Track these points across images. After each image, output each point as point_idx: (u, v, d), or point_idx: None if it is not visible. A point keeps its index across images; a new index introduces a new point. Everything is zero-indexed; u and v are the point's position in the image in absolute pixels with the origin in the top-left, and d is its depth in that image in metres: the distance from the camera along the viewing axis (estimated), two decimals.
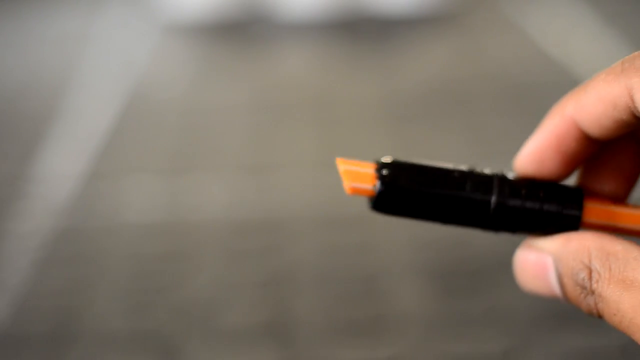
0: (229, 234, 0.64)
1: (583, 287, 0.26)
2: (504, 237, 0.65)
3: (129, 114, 0.86)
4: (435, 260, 0.59)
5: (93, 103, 0.88)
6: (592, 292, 0.26)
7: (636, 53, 0.26)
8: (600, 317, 0.26)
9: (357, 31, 1.07)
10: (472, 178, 0.29)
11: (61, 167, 0.75)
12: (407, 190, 0.28)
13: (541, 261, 0.28)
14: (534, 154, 0.29)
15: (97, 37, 1.08)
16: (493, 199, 0.28)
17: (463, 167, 0.29)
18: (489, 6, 1.12)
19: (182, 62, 1.03)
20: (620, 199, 0.30)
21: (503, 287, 0.56)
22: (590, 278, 0.26)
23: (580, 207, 0.29)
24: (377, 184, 0.28)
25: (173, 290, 0.58)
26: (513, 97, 0.86)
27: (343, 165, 0.29)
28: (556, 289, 0.28)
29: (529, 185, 0.29)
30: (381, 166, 0.28)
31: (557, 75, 0.90)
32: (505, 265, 0.58)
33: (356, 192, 0.28)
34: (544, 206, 0.28)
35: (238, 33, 1.07)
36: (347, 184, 0.28)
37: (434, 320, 0.53)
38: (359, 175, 0.28)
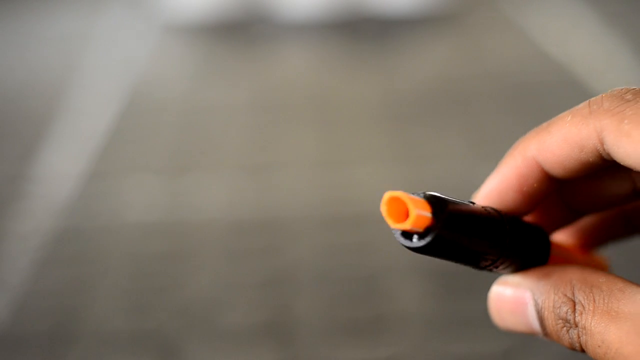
0: (229, 233, 0.64)
1: (566, 321, 0.25)
2: None
3: (129, 114, 0.86)
4: (435, 260, 0.59)
5: (93, 103, 0.88)
6: (576, 325, 0.25)
7: (603, 95, 0.26)
8: (582, 351, 0.25)
9: (357, 31, 1.07)
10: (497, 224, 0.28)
11: (61, 167, 0.75)
12: (459, 238, 0.26)
13: (519, 297, 0.27)
14: (494, 192, 0.29)
15: (97, 37, 1.08)
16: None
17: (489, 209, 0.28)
18: (489, 6, 1.12)
19: (182, 62, 1.03)
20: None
21: None
22: (574, 311, 0.25)
23: (548, 244, 0.28)
24: (432, 228, 0.26)
25: (173, 290, 0.58)
26: (513, 97, 0.86)
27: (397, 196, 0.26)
28: (535, 325, 0.27)
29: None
30: (437, 208, 0.26)
31: (557, 75, 0.90)
32: None
33: (405, 228, 0.26)
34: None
35: (238, 33, 1.07)
36: (401, 225, 0.26)
37: (434, 320, 0.53)
38: (416, 218, 0.25)
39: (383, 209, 0.26)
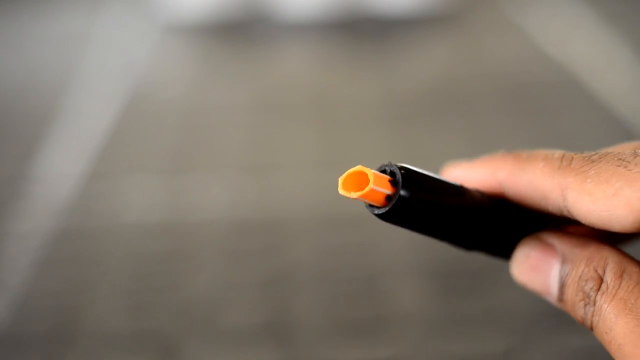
0: (229, 233, 0.64)
1: (586, 295, 0.26)
2: None
3: (129, 114, 0.86)
4: (435, 260, 0.59)
5: (93, 103, 0.88)
6: (594, 303, 0.25)
7: (575, 155, 0.26)
8: (591, 329, 0.26)
9: (357, 31, 1.07)
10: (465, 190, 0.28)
11: (61, 167, 0.75)
12: (424, 201, 0.27)
13: (547, 256, 0.27)
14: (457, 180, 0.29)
15: (97, 37, 1.08)
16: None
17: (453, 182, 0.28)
18: (489, 6, 1.12)
19: (182, 62, 1.03)
20: None
21: (503, 287, 0.56)
22: (598, 289, 0.25)
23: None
24: (398, 190, 0.27)
25: (173, 290, 0.58)
26: (513, 96, 0.86)
27: (357, 169, 0.27)
28: (553, 288, 0.27)
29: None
30: (399, 172, 0.27)
31: (557, 75, 0.90)
32: (506, 264, 0.58)
33: (367, 196, 0.26)
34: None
35: (238, 33, 1.07)
36: (360, 188, 0.27)
37: (434, 320, 0.53)
38: (376, 178, 0.27)
39: (341, 179, 0.27)
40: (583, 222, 0.26)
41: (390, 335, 0.52)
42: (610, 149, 0.27)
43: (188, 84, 0.96)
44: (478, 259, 0.59)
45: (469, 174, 0.29)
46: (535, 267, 0.27)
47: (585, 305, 0.26)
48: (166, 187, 0.71)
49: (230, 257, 0.61)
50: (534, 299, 0.54)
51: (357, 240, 0.62)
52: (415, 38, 1.04)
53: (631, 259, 0.26)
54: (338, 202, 0.68)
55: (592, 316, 0.26)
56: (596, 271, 0.26)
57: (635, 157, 0.24)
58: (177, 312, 0.55)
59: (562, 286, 0.27)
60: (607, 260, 0.26)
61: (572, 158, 0.26)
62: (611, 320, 0.25)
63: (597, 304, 0.25)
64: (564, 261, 0.27)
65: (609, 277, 0.25)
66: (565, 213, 0.26)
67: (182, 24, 1.10)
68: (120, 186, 0.71)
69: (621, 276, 0.25)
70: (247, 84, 0.94)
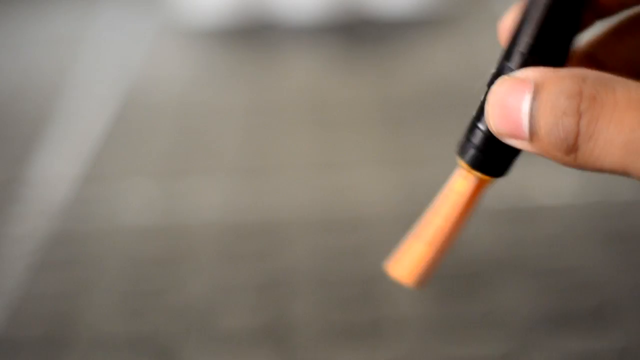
0: (226, 237, 0.64)
1: (566, 110, 0.23)
2: (502, 240, 0.65)
3: (124, 117, 0.86)
4: None
5: (88, 105, 0.88)
6: (577, 113, 0.23)
7: None
8: (574, 150, 0.23)
9: (354, 34, 1.07)
10: None
11: (56, 170, 0.74)
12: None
13: (517, 87, 0.24)
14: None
15: (92, 40, 1.07)
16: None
17: None
18: (485, 9, 1.12)
19: (178, 65, 1.03)
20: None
21: (501, 290, 0.56)
22: (579, 98, 0.23)
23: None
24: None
25: (169, 294, 0.57)
26: None
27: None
28: (523, 122, 0.24)
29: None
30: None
31: None
32: (504, 268, 0.58)
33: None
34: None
35: (234, 36, 1.07)
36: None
37: (432, 324, 0.53)
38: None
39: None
40: None
41: (387, 338, 0.52)
42: None
43: (184, 86, 0.96)
44: (476, 262, 0.59)
45: None
46: (507, 103, 0.24)
47: (567, 117, 0.23)
48: (162, 191, 0.71)
49: (226, 260, 0.61)
50: (532, 302, 0.54)
51: (355, 243, 0.62)
52: (412, 41, 1.04)
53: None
54: (336, 205, 0.67)
55: (578, 124, 0.23)
56: (576, 84, 0.23)
57: None
58: (173, 316, 0.55)
59: (530, 112, 0.24)
60: (586, 74, 0.23)
61: None
62: (611, 122, 0.22)
63: (583, 107, 0.23)
64: (536, 89, 0.24)
65: (589, 86, 0.23)
66: None
67: (177, 26, 1.10)
68: (115, 189, 0.71)
69: (606, 84, 0.23)
70: (243, 87, 0.94)
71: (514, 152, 0.27)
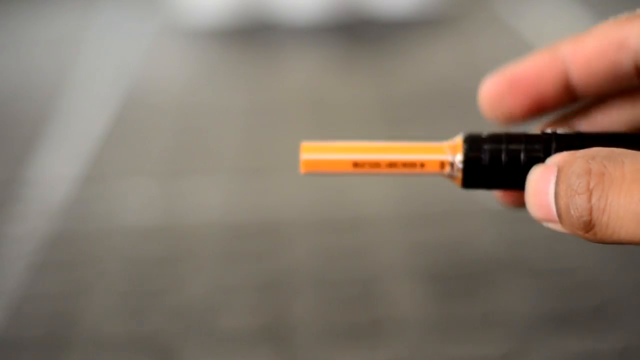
0: (226, 237, 0.64)
1: (580, 190, 0.23)
2: (502, 240, 0.65)
3: (124, 117, 0.86)
4: (433, 262, 0.59)
5: (88, 105, 0.88)
6: (588, 190, 0.23)
7: None
8: (590, 222, 0.23)
9: (355, 34, 1.07)
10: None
11: (56, 170, 0.74)
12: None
13: (544, 175, 0.25)
14: (506, 78, 0.28)
15: (91, 40, 1.07)
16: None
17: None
18: (485, 8, 1.13)
19: (178, 65, 1.03)
20: None
21: (502, 290, 0.56)
22: (590, 175, 0.23)
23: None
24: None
25: (170, 294, 0.57)
26: None
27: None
28: (552, 206, 0.25)
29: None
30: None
31: None
32: (504, 267, 0.58)
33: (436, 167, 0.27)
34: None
35: (234, 36, 1.07)
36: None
37: (432, 324, 0.53)
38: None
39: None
40: None
41: (387, 338, 0.52)
42: None
43: (183, 86, 0.96)
44: (476, 262, 0.59)
45: (529, 65, 0.28)
46: (537, 191, 0.25)
47: (579, 195, 0.24)
48: (162, 190, 0.71)
49: (226, 260, 0.61)
50: (532, 302, 0.54)
51: (355, 243, 0.62)
52: (412, 41, 1.04)
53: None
54: (335, 205, 0.67)
55: (590, 201, 0.23)
56: (585, 163, 0.24)
57: None
58: (173, 316, 0.55)
59: (554, 195, 0.25)
60: (598, 151, 0.24)
61: None
62: (621, 195, 0.23)
63: (599, 188, 0.23)
64: (558, 173, 0.25)
65: (598, 162, 0.23)
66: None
67: (177, 26, 1.10)
68: (115, 189, 0.71)
69: (615, 159, 0.23)
70: (243, 87, 0.94)
71: (496, 185, 0.27)
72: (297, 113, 0.86)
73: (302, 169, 0.28)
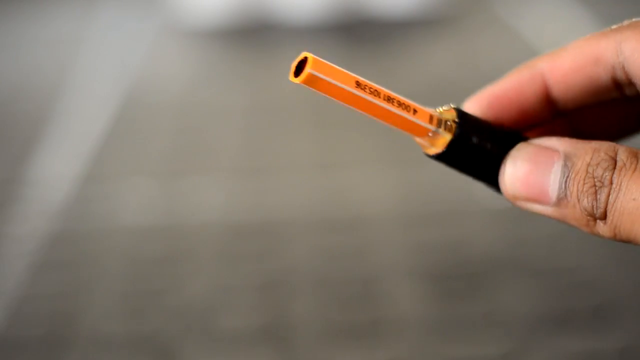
0: (226, 237, 0.64)
1: (599, 179, 0.24)
2: (502, 240, 0.65)
3: (124, 117, 0.86)
4: (433, 263, 0.59)
5: (88, 105, 0.88)
6: (610, 183, 0.24)
7: (624, 22, 0.26)
8: (602, 215, 0.24)
9: (354, 34, 1.07)
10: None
11: (56, 170, 0.74)
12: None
13: (546, 155, 0.25)
14: (487, 97, 0.28)
15: (91, 40, 1.07)
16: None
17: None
18: (485, 8, 1.13)
19: (178, 65, 1.03)
20: None
21: (502, 290, 0.56)
22: (613, 168, 0.24)
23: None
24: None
25: (170, 294, 0.57)
26: None
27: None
28: (552, 188, 0.25)
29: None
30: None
31: None
32: (504, 267, 0.58)
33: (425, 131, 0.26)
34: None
35: (234, 36, 1.07)
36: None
37: (432, 324, 0.53)
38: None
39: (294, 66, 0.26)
40: (636, 78, 0.25)
41: (388, 338, 0.52)
42: None
43: (184, 86, 0.96)
44: (476, 262, 0.59)
45: (509, 83, 0.28)
46: (532, 169, 0.25)
47: (597, 189, 0.24)
48: (162, 190, 0.71)
49: (226, 260, 0.61)
50: (532, 302, 0.54)
51: (355, 243, 0.62)
52: (413, 41, 1.04)
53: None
54: (335, 205, 0.67)
55: (607, 196, 0.24)
56: (608, 154, 0.24)
57: None
58: (173, 316, 0.55)
59: (565, 182, 0.25)
60: (616, 146, 0.25)
61: (623, 22, 0.25)
62: (639, 186, 0.23)
63: (616, 181, 0.24)
64: (567, 158, 0.25)
65: (623, 157, 0.24)
66: (619, 74, 0.25)
67: (177, 26, 1.10)
68: (115, 189, 0.71)
69: (636, 155, 0.24)
70: (243, 87, 0.94)
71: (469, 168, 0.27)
72: (296, 113, 0.86)
73: (309, 72, 0.26)
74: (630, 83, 0.25)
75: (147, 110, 0.88)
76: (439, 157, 0.27)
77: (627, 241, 0.24)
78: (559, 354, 0.50)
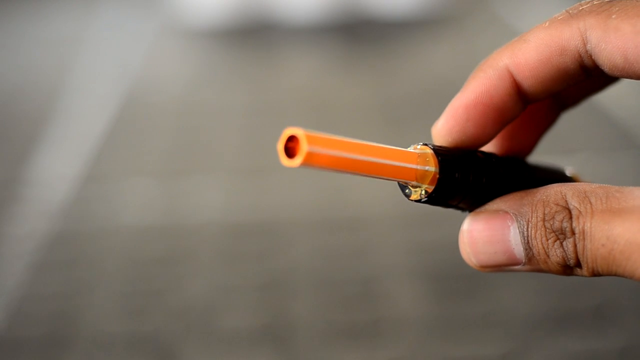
0: (226, 236, 0.64)
1: (560, 232, 0.24)
2: None
3: (124, 117, 0.86)
4: (433, 263, 0.59)
5: (88, 106, 0.88)
6: (572, 233, 0.24)
7: (581, 2, 0.25)
8: (575, 263, 0.24)
9: (354, 34, 1.07)
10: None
11: (56, 170, 0.74)
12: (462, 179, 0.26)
13: (498, 222, 0.25)
14: (461, 108, 0.27)
15: (92, 40, 1.07)
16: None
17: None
18: (485, 8, 1.13)
19: (178, 65, 1.03)
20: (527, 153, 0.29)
21: (501, 290, 0.56)
22: (570, 217, 0.24)
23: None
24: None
25: (169, 293, 0.57)
26: None
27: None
28: (517, 250, 0.25)
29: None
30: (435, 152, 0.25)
31: None
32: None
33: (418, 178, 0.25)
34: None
35: (234, 36, 1.07)
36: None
37: (432, 324, 0.53)
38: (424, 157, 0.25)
39: (281, 145, 0.24)
40: (605, 66, 0.24)
41: (388, 338, 0.52)
42: None
43: (184, 86, 0.96)
44: None
45: (478, 87, 0.27)
46: (489, 241, 0.25)
47: (562, 242, 0.24)
48: (162, 190, 0.71)
49: (227, 260, 0.61)
50: (532, 302, 0.54)
51: (355, 243, 0.62)
52: (413, 41, 1.04)
53: (583, 182, 0.24)
54: (335, 205, 0.67)
55: (575, 246, 0.24)
56: (558, 205, 0.24)
57: None
58: (173, 316, 0.55)
59: (527, 241, 0.24)
60: (562, 192, 0.24)
61: (581, 4, 0.25)
62: (604, 230, 0.23)
63: (578, 229, 0.23)
64: (518, 217, 0.25)
65: (575, 203, 0.24)
66: (587, 61, 0.24)
67: (177, 26, 1.10)
68: (115, 189, 0.71)
69: (586, 196, 0.24)
70: (243, 87, 0.94)
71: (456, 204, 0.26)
72: (297, 113, 0.86)
73: (301, 163, 0.24)
74: (597, 67, 0.25)
75: (147, 110, 0.88)
76: (425, 201, 0.26)
77: (608, 275, 0.24)
78: (559, 354, 0.50)
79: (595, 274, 0.24)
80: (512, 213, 0.25)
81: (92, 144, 0.79)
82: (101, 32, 1.10)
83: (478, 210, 0.26)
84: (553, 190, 0.24)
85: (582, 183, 0.24)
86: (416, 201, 0.26)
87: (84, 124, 0.83)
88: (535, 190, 0.25)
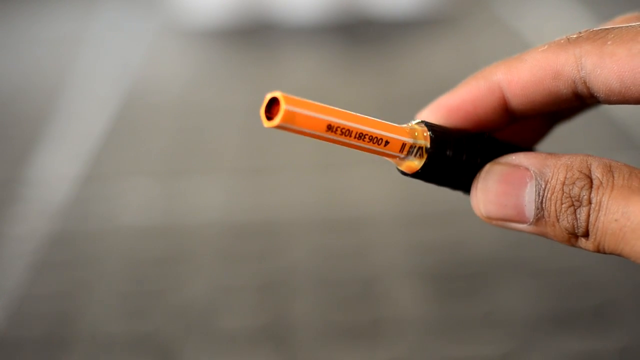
0: (226, 237, 0.64)
1: (576, 199, 0.24)
2: (502, 240, 0.65)
3: (124, 117, 0.86)
4: (433, 263, 0.59)
5: (88, 105, 0.88)
6: (589, 202, 0.24)
7: (581, 31, 0.25)
8: (584, 233, 0.24)
9: (354, 34, 1.07)
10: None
11: (56, 170, 0.74)
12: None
13: (517, 174, 0.25)
14: (442, 108, 0.27)
15: (92, 40, 1.07)
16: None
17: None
18: (485, 8, 1.13)
19: (178, 65, 1.03)
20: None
21: (501, 290, 0.56)
22: (590, 187, 0.24)
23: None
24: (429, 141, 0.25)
25: (170, 294, 0.57)
26: None
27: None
28: (528, 208, 0.25)
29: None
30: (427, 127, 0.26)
31: None
32: (504, 268, 0.58)
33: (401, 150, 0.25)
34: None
35: (234, 36, 1.07)
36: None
37: (432, 324, 0.53)
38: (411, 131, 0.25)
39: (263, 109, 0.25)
40: (600, 93, 0.24)
41: (388, 338, 0.52)
42: (613, 23, 0.25)
43: (184, 86, 0.96)
44: (476, 262, 0.59)
45: (466, 93, 0.27)
46: (505, 191, 0.25)
47: (576, 209, 0.24)
48: (162, 190, 0.71)
49: (227, 260, 0.61)
50: (532, 302, 0.54)
51: (355, 243, 0.62)
52: (413, 41, 1.04)
53: (605, 158, 0.25)
54: (335, 205, 0.67)
55: (588, 216, 0.24)
56: (582, 172, 0.24)
57: None
58: (173, 316, 0.55)
59: (541, 201, 0.25)
60: (589, 161, 0.24)
61: (580, 32, 0.25)
62: (621, 205, 0.23)
63: (595, 200, 0.23)
64: (539, 177, 0.25)
65: (598, 174, 0.24)
66: (580, 88, 0.25)
67: (177, 26, 1.10)
68: (115, 189, 0.71)
69: (610, 170, 0.24)
70: (243, 87, 0.94)
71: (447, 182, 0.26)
72: None
73: (280, 121, 0.25)
74: (592, 95, 0.25)
75: (147, 110, 0.88)
76: (414, 176, 0.26)
77: (610, 254, 0.24)
78: (559, 354, 0.50)
79: (600, 249, 0.24)
80: (533, 171, 0.25)
81: (92, 144, 0.79)
82: (101, 32, 1.10)
83: (498, 160, 0.26)
84: (579, 158, 0.24)
85: (606, 158, 0.24)
86: (408, 174, 0.26)
87: (84, 124, 0.83)
88: (561, 154, 0.25)
